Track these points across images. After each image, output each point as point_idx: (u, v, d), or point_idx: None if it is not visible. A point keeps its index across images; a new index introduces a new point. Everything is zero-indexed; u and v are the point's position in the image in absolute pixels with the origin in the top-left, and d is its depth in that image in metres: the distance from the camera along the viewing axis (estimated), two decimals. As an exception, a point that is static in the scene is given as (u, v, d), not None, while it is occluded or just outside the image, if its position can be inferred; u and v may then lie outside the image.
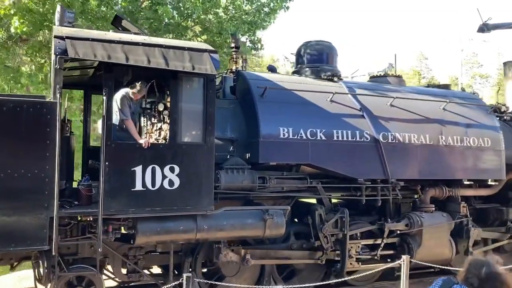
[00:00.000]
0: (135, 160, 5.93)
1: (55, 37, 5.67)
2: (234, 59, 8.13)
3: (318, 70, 8.40)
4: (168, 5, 12.64)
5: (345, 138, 7.52)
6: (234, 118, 7.40)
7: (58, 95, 5.53)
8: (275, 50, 69.07)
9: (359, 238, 7.88)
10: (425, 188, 8.45)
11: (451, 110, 8.67)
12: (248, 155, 7.21)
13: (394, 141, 7.89)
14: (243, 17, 13.47)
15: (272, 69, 8.59)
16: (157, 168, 6.03)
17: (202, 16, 13.24)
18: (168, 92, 6.32)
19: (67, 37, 5.64)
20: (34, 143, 5.47)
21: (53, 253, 5.51)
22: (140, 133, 7.90)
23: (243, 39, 13.99)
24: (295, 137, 7.18)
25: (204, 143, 6.31)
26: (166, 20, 12.91)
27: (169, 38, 13.49)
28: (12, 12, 10.90)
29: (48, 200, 5.49)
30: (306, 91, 7.59)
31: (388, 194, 7.95)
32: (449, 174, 8.38)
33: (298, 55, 8.78)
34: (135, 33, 6.66)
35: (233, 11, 13.80)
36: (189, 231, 6.29)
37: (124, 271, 6.90)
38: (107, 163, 5.77)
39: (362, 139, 7.66)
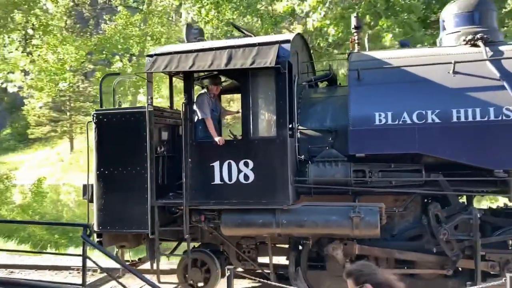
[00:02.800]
0: (213, 156, 6.43)
1: (147, 55, 6.81)
2: (356, 41, 7.43)
3: (459, 35, 6.74)
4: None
5: (470, 119, 5.86)
6: (339, 106, 6.85)
7: (147, 104, 6.64)
8: None
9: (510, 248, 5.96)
10: None
11: None
12: (350, 146, 6.56)
13: (559, 116, 5.60)
14: None
15: (404, 44, 7.39)
16: (233, 163, 6.35)
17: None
18: (241, 89, 6.52)
19: (155, 54, 6.68)
20: (137, 145, 6.73)
21: (150, 236, 6.63)
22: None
23: None
24: (396, 122, 6.09)
25: (276, 137, 6.23)
26: None
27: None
28: (328, 22, 12.56)
29: (148, 192, 6.65)
30: (419, 66, 6.28)
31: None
32: None
33: (442, 19, 7.22)
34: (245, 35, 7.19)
35: None
36: (269, 225, 6.32)
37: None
38: (189, 159, 6.51)
39: (500, 117, 5.78)
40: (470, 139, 5.86)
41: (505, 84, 5.84)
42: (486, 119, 5.82)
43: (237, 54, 6.24)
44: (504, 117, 5.77)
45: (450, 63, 6.07)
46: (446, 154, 5.96)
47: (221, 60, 6.23)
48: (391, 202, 6.62)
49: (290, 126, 6.51)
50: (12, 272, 9.61)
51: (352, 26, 7.53)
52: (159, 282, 6.71)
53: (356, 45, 7.42)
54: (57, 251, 12.47)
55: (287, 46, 6.25)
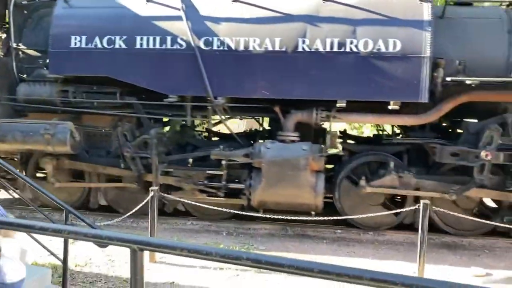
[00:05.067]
0: None
1: None
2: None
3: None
4: None
5: (151, 46, 6.29)
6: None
7: None
8: None
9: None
10: (291, 111, 6.37)
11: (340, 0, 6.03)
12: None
13: (222, 48, 6.13)
14: None
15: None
16: None
17: None
18: None
19: None
20: None
21: None
22: None
23: None
24: (89, 46, 6.42)
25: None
26: None
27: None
28: None
29: None
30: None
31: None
32: (312, 92, 6.05)
33: None
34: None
35: None
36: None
37: None
38: None
39: (175, 47, 6.24)
40: (150, 65, 6.32)
41: (183, 15, 6.23)
42: (164, 47, 6.26)
43: None
44: (178, 46, 6.23)
45: (144, -9, 6.35)
46: (130, 78, 6.41)
47: None
48: (110, 121, 7.09)
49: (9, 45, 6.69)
50: None
51: None
52: None
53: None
54: None
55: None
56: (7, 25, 7.18)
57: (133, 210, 5.67)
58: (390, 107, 5.88)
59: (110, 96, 6.72)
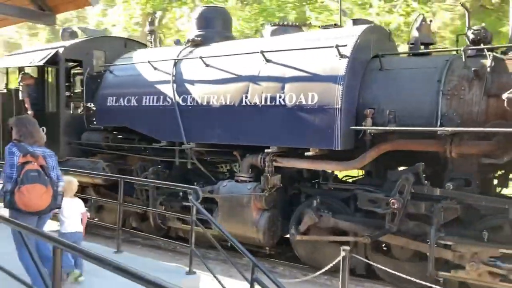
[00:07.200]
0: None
1: None
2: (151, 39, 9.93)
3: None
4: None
5: (151, 104, 8.20)
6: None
7: None
8: None
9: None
10: (246, 155, 7.42)
11: (276, 61, 6.99)
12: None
13: (192, 104, 7.67)
14: None
15: (177, 42, 9.60)
16: (37, 129, 9.64)
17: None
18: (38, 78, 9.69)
19: None
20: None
21: None
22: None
23: None
24: (116, 105, 8.69)
25: (55, 112, 9.33)
26: None
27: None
28: None
29: None
30: (139, 63, 8.70)
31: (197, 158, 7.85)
32: (249, 140, 7.02)
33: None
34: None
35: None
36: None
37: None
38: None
39: (164, 103, 8.02)
40: (151, 118, 8.21)
41: (172, 79, 7.99)
42: (159, 104, 8.11)
43: (35, 56, 9.40)
44: (167, 103, 8.00)
45: (147, 62, 8.40)
46: (139, 128, 8.41)
47: (22, 60, 9.48)
48: (137, 161, 9.17)
49: (81, 104, 9.54)
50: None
51: (147, 29, 10.03)
52: None
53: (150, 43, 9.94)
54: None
55: (61, 50, 9.19)
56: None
57: (325, 268, 5.39)
58: (306, 154, 6.47)
59: (133, 141, 8.83)
